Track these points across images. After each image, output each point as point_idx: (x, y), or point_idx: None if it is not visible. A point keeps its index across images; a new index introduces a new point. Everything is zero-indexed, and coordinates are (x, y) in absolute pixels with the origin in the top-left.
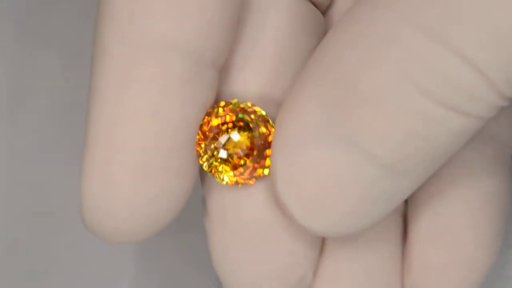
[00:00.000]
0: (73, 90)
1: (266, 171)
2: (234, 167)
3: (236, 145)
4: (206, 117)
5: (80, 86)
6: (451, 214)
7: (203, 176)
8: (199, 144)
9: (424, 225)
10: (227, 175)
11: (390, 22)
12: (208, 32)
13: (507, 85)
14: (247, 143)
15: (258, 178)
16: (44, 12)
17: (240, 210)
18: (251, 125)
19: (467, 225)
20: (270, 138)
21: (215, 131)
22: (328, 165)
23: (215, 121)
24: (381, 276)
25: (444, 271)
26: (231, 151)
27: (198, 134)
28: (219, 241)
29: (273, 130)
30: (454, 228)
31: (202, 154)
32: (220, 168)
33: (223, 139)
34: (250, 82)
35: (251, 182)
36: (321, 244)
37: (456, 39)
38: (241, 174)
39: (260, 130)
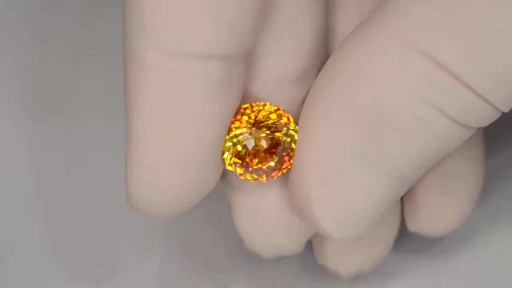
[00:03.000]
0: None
1: (284, 171)
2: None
3: (258, 147)
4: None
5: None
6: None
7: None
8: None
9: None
10: (242, 170)
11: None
12: (237, 37)
13: (503, 103)
14: (269, 144)
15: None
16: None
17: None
18: (279, 141)
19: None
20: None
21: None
22: (362, 186)
23: (243, 121)
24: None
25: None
26: (255, 146)
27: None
28: (243, 211)
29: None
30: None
31: (225, 149)
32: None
33: (249, 144)
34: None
35: (264, 179)
36: None
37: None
38: (259, 171)
39: (287, 144)
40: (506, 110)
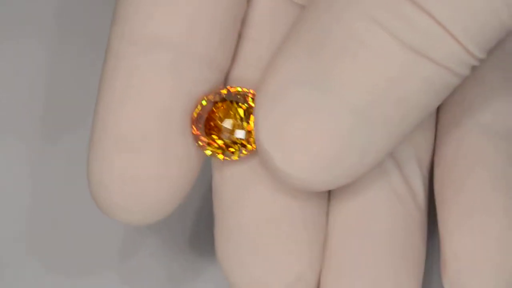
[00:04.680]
0: None
1: None
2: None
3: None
4: (197, 109)
5: None
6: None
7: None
8: (199, 137)
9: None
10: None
11: None
12: (195, 31)
13: (465, 35)
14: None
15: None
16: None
17: (244, 206)
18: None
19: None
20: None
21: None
22: (307, 111)
23: (217, 113)
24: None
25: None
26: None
27: (194, 129)
28: (224, 234)
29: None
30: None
31: (206, 144)
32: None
33: (240, 134)
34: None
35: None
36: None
37: None
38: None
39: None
40: (480, 55)
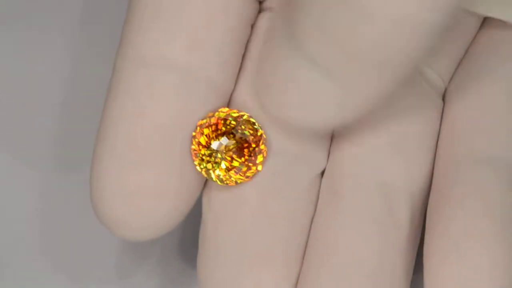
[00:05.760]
0: None
1: (259, 167)
2: (230, 168)
3: (227, 148)
4: (198, 127)
5: None
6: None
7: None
8: (195, 154)
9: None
10: (224, 175)
11: None
12: (199, 53)
13: None
14: (238, 144)
15: (253, 175)
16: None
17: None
18: (232, 125)
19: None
20: (258, 137)
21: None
22: (284, 70)
23: (206, 130)
24: None
25: None
26: (225, 155)
27: (193, 144)
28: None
29: (260, 131)
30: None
31: (198, 161)
32: (217, 171)
33: (215, 145)
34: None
35: (247, 179)
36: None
37: None
38: (238, 172)
39: (245, 132)
40: None
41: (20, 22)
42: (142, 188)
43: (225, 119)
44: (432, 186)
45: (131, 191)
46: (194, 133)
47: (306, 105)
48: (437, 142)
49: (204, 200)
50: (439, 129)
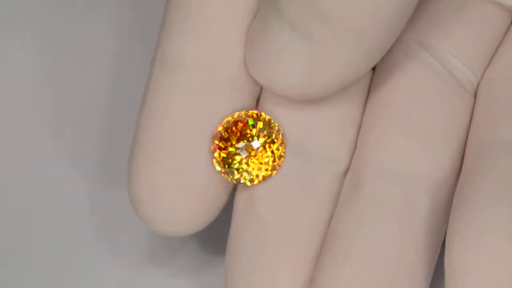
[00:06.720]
0: None
1: (278, 167)
2: (250, 168)
3: (250, 148)
4: (221, 127)
5: None
6: None
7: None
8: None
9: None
10: (243, 176)
11: None
12: (226, 55)
13: None
14: (260, 146)
15: (272, 175)
16: None
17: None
18: (252, 125)
19: None
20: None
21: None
22: (265, 33)
23: (225, 132)
24: None
25: None
26: (246, 156)
27: (213, 144)
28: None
29: (280, 130)
30: None
31: (218, 161)
32: (236, 172)
33: (238, 145)
34: None
35: (267, 179)
36: None
37: None
38: (257, 171)
39: (264, 131)
40: None
41: (67, 24)
42: (165, 186)
43: (245, 120)
44: (460, 176)
45: (156, 188)
46: (216, 132)
47: (279, 67)
48: (467, 137)
49: (235, 199)
50: (469, 124)
